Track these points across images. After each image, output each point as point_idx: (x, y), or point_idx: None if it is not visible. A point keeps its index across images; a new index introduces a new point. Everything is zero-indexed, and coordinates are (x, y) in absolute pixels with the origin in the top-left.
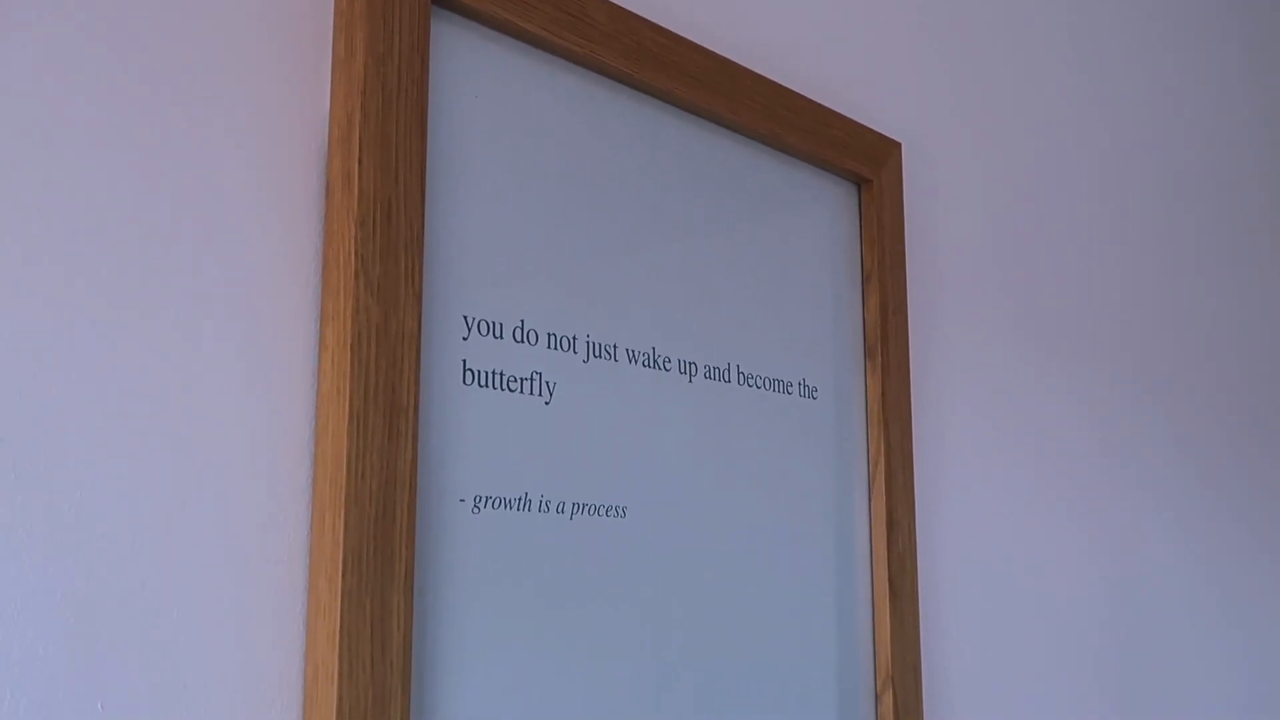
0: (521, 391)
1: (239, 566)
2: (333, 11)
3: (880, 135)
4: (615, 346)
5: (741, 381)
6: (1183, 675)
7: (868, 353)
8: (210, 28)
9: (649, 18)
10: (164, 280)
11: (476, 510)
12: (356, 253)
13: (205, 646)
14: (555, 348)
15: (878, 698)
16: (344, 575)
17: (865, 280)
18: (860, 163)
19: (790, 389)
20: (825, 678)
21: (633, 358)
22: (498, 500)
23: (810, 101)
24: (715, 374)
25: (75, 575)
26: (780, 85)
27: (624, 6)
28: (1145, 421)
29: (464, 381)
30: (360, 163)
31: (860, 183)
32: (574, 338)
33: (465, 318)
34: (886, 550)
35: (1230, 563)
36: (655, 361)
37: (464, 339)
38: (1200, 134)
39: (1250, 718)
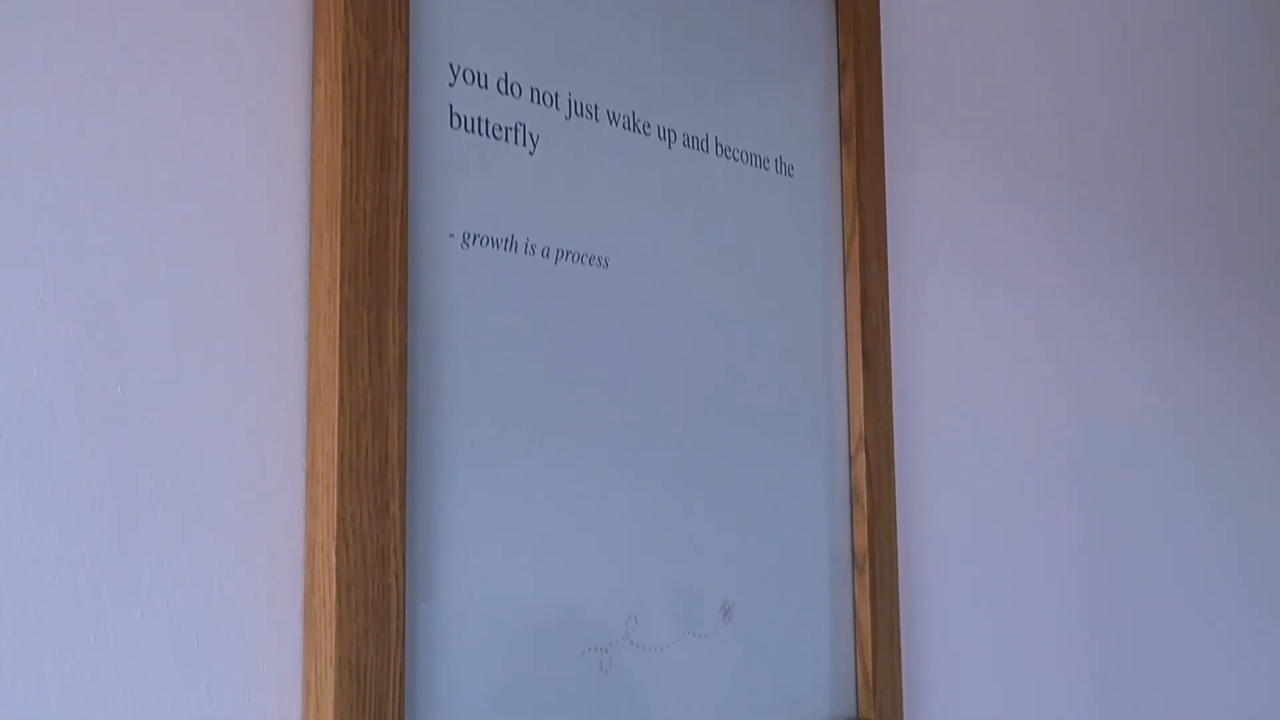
0: (506, 140)
1: (244, 279)
2: None
3: None
4: (596, 107)
5: (720, 153)
6: (1146, 486)
7: (843, 136)
8: None
9: None
10: (165, 14)
11: (465, 246)
12: None
13: (215, 344)
14: (538, 102)
15: (851, 460)
16: (342, 287)
17: (841, 68)
18: None
19: (767, 165)
20: (801, 441)
21: (613, 119)
22: (485, 239)
23: None
24: (694, 143)
25: (95, 272)
26: None
27: None
28: (1128, 209)
29: (451, 125)
30: None
31: None
32: (556, 94)
33: (451, 65)
34: (861, 325)
35: (1195, 392)
36: (635, 125)
37: (450, 85)
38: None
39: (1209, 534)
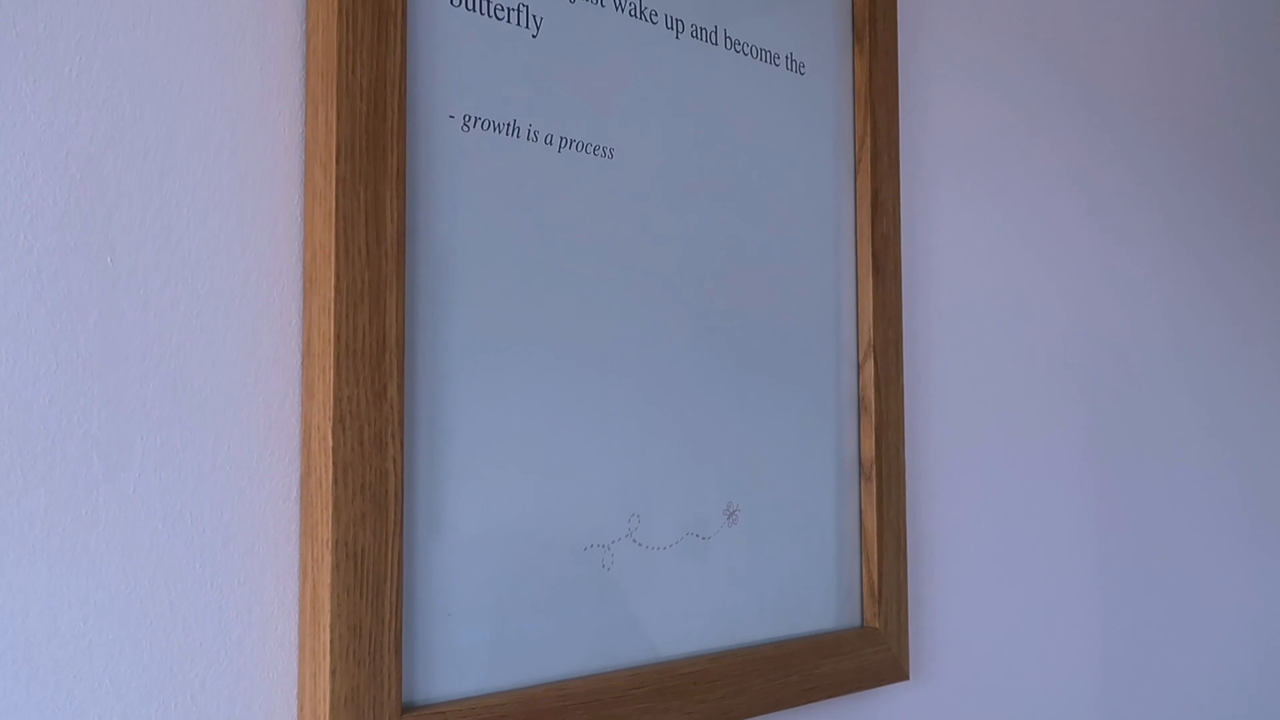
0: (509, 21)
1: (238, 150)
2: None
3: None
4: None
5: (728, 46)
6: (1152, 402)
7: (856, 35)
8: None
9: None
10: None
11: (466, 129)
12: None
13: (208, 217)
14: None
15: (859, 366)
16: (338, 162)
17: None
18: None
19: (777, 61)
20: (808, 346)
21: (619, 5)
22: (487, 123)
23: None
24: (702, 34)
25: (81, 134)
26: None
27: None
28: (1144, 117)
29: (452, 3)
30: None
31: None
32: None
33: None
34: (871, 228)
35: (1205, 314)
36: (642, 12)
37: None
38: None
39: (1214, 450)
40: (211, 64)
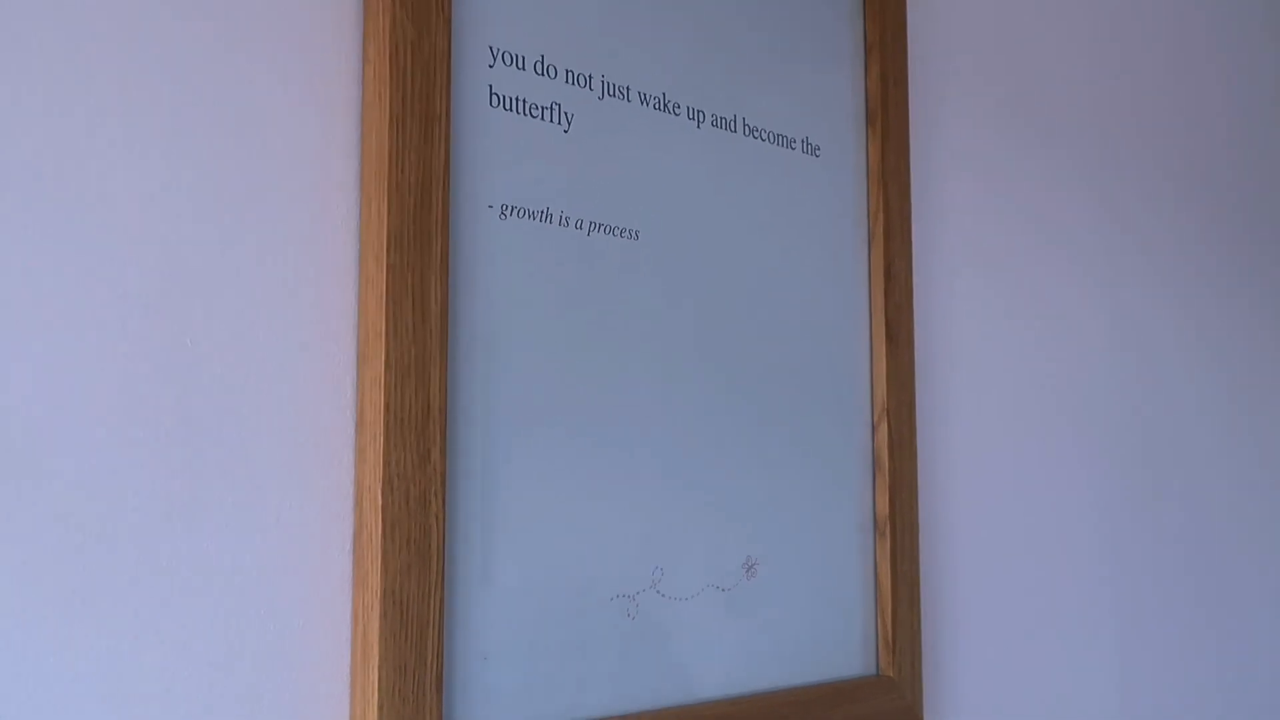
0: (542, 119)
1: (301, 244)
2: None
3: None
4: (628, 88)
5: (747, 133)
6: (1167, 466)
7: (869, 118)
8: None
9: None
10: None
11: (504, 217)
12: None
13: (274, 303)
14: (573, 83)
15: (874, 428)
16: (388, 251)
17: (868, 52)
18: None
19: (794, 145)
20: (825, 409)
21: (644, 100)
22: (522, 211)
23: None
24: (722, 123)
25: (170, 236)
26: None
27: None
28: (1148, 196)
29: (490, 104)
30: None
31: None
32: (590, 76)
33: (491, 47)
34: (884, 299)
35: (1220, 373)
36: (666, 105)
37: (490, 66)
38: None
39: (1240, 506)
40: (278, 165)
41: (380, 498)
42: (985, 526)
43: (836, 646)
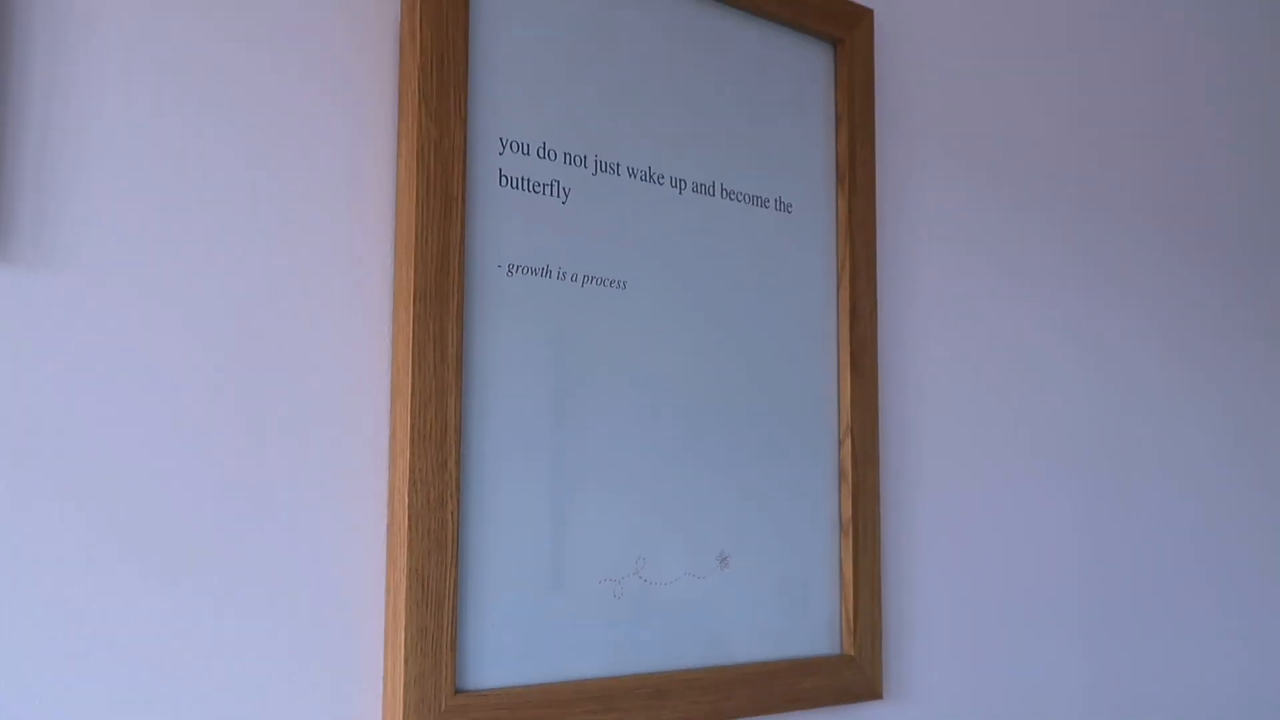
0: (544, 194)
1: (347, 300)
2: None
3: (853, 3)
4: (618, 165)
5: (724, 196)
6: (1120, 470)
7: (839, 178)
8: None
9: None
10: (289, 105)
11: (510, 274)
12: (420, 89)
13: (327, 345)
14: (569, 163)
15: (840, 444)
16: (414, 304)
17: (838, 120)
18: (834, 26)
19: (767, 204)
20: (799, 428)
21: (632, 173)
22: (526, 269)
23: None
24: (701, 189)
25: (242, 289)
26: None
27: None
28: (1123, 244)
29: (499, 184)
30: (420, 25)
31: (835, 42)
32: (584, 156)
33: (500, 138)
34: (850, 333)
35: (1173, 397)
36: (651, 177)
37: (499, 154)
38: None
39: (1174, 492)
40: (331, 238)
41: (407, 497)
42: (944, 528)
43: (804, 628)
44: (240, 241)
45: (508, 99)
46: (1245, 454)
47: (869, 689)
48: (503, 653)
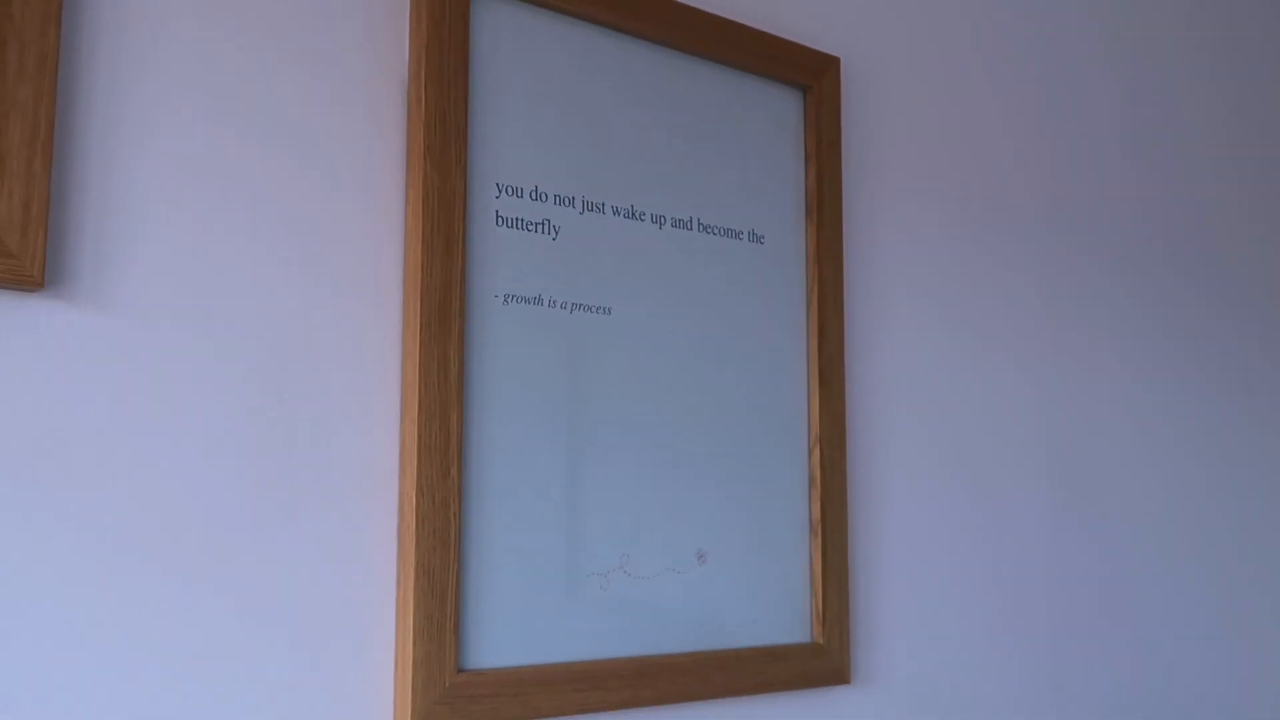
0: (536, 232)
1: (361, 329)
2: None
3: (820, 53)
4: (603, 204)
5: (700, 229)
6: (1099, 476)
7: (808, 212)
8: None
9: None
10: (313, 159)
11: (506, 303)
12: (424, 143)
13: (344, 369)
14: (559, 204)
15: (810, 452)
16: (421, 332)
17: (807, 159)
18: (802, 74)
19: (740, 236)
20: (770, 439)
21: (616, 211)
22: (519, 298)
23: (759, 31)
24: (680, 224)
25: (268, 323)
26: (735, 21)
27: None
28: (1080, 267)
29: (495, 224)
30: (425, 87)
31: (805, 88)
32: (572, 197)
33: (497, 184)
34: (819, 352)
35: (1152, 404)
36: (634, 214)
37: (496, 197)
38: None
39: (1175, 526)
40: (348, 275)
41: (415, 500)
42: (907, 528)
43: (776, 619)
44: (270, 277)
45: (503, 148)
46: (1209, 469)
47: (837, 675)
48: (500, 637)
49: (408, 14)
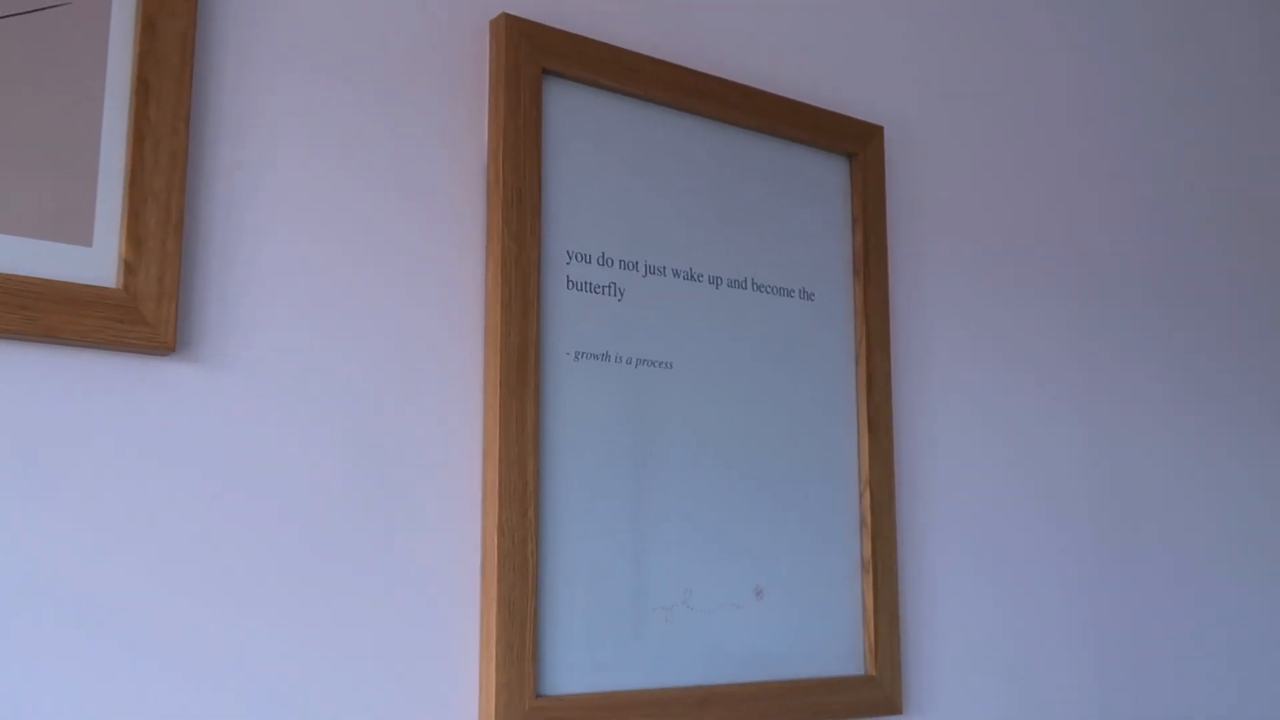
0: (603, 294)
1: (448, 386)
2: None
3: (864, 122)
4: (665, 267)
5: (755, 289)
6: (1136, 523)
7: (855, 271)
8: (424, 87)
9: (682, 63)
10: (402, 232)
11: (576, 360)
12: (503, 217)
13: (434, 421)
14: (624, 269)
15: (861, 495)
16: (500, 388)
17: (854, 221)
18: (849, 143)
19: (792, 294)
20: (823, 482)
21: (676, 274)
22: (589, 355)
23: (806, 104)
24: (735, 284)
25: (373, 381)
26: (783, 96)
27: (665, 60)
28: (1118, 321)
29: (566, 287)
30: (502, 167)
31: (851, 156)
32: (636, 262)
33: (567, 251)
34: (868, 401)
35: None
36: (693, 276)
37: (566, 263)
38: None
39: (1223, 571)
40: (437, 338)
41: (496, 539)
42: (954, 566)
43: (830, 652)
44: (367, 341)
45: (572, 218)
46: (1241, 515)
47: (889, 705)
48: (573, 666)
49: (486, 101)
